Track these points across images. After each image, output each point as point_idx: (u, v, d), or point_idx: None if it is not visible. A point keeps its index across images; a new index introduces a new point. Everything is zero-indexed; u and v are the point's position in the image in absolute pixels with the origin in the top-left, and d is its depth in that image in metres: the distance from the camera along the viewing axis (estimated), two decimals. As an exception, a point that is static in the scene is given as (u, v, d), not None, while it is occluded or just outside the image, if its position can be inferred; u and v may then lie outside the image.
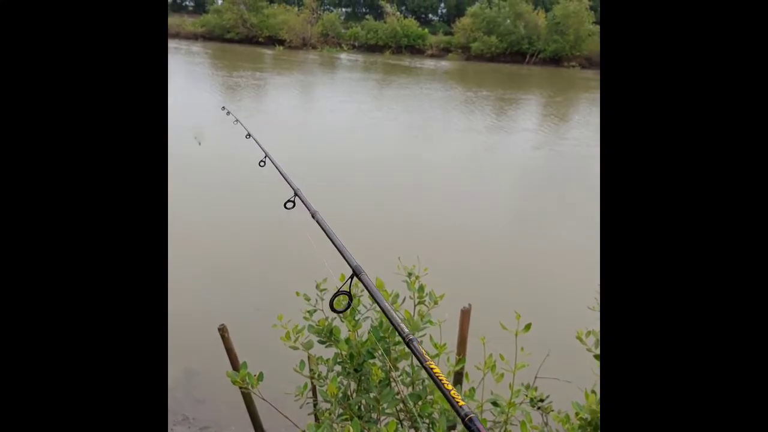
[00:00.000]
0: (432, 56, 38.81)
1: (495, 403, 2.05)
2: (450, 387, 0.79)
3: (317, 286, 2.64)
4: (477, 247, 6.55)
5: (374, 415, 2.33)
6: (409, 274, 2.21)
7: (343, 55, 37.17)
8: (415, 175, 9.59)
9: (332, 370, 2.42)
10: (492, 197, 8.90)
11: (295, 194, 2.01)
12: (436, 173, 9.91)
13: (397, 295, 2.26)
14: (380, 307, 1.05)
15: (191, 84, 19.19)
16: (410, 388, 2.20)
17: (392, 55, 38.58)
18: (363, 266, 2.50)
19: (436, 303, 2.16)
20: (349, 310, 2.35)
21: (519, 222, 7.85)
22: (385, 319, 2.18)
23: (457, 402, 0.76)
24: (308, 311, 2.55)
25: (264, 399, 1.99)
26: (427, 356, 0.85)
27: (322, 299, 2.58)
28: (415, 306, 2.20)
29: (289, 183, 2.15)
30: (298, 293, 2.58)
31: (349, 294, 1.25)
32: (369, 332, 2.22)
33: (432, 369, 0.83)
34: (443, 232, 6.96)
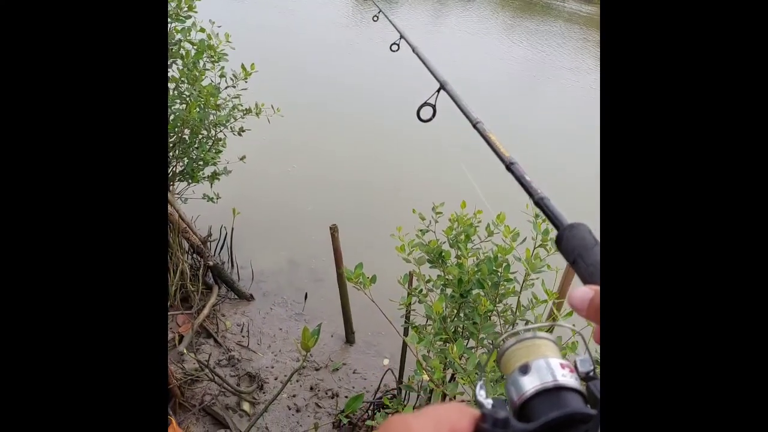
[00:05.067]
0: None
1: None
2: (494, 137, 0.93)
3: (434, 209, 2.66)
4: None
5: (467, 342, 2.38)
6: (536, 216, 2.14)
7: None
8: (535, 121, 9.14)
9: (433, 291, 2.48)
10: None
11: (401, 36, 2.14)
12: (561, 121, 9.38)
13: (518, 234, 2.22)
14: (465, 114, 1.18)
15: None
16: (511, 327, 2.21)
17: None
18: (488, 202, 2.45)
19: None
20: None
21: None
22: (501, 253, 2.16)
23: (501, 150, 0.86)
24: (420, 230, 2.59)
25: (373, 300, 2.08)
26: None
27: (437, 221, 2.60)
28: (534, 248, 2.16)
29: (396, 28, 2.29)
30: (414, 211, 2.61)
31: (434, 107, 1.40)
32: (481, 263, 2.23)
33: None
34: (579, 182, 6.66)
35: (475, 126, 1.09)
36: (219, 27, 3.37)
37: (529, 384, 0.48)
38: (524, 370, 0.48)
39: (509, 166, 0.83)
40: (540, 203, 0.73)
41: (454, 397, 2.11)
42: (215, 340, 3.51)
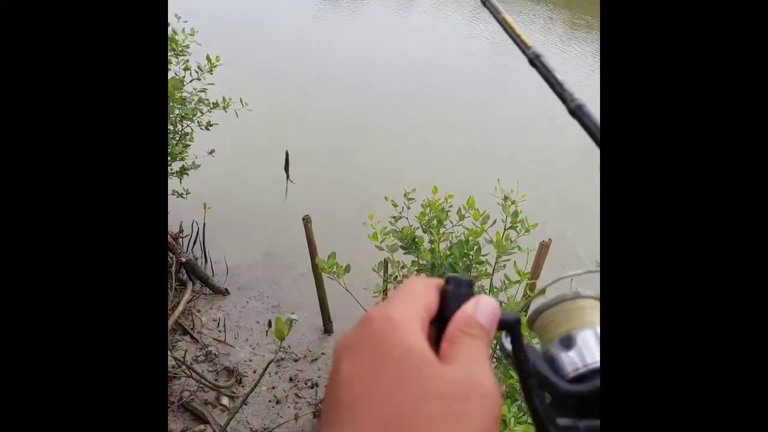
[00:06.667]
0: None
1: (569, 338, 2.05)
2: (516, 30, 0.65)
3: (405, 195, 2.66)
4: (575, 182, 6.33)
5: (442, 326, 2.41)
6: (505, 198, 2.17)
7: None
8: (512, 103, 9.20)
9: (408, 276, 2.49)
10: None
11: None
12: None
13: (488, 216, 2.25)
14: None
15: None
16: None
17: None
18: (459, 187, 2.45)
19: (528, 231, 2.13)
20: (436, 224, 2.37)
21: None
22: (471, 236, 2.18)
23: (525, 41, 0.63)
24: (393, 217, 2.60)
25: (347, 290, 2.09)
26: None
27: (409, 208, 2.61)
28: (504, 230, 2.19)
29: None
30: (386, 198, 2.61)
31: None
32: (453, 247, 2.25)
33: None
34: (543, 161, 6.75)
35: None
36: (185, 22, 3.31)
37: (572, 365, 0.40)
38: (567, 343, 0.41)
39: (533, 60, 0.63)
40: (576, 112, 0.58)
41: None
42: (191, 336, 3.48)
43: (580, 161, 7.24)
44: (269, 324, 3.63)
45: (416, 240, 2.40)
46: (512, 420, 1.55)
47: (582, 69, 10.17)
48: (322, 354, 3.53)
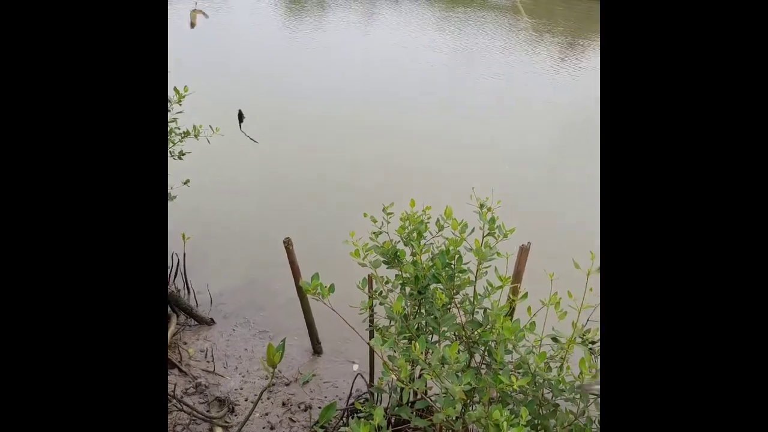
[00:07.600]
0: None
1: (555, 339, 2.09)
2: None
3: (384, 210, 2.68)
4: (551, 184, 6.42)
5: (430, 337, 2.42)
6: (481, 206, 2.21)
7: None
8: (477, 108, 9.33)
9: (393, 291, 2.50)
10: (563, 138, 8.59)
11: None
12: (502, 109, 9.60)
13: (466, 225, 2.27)
14: None
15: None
16: (471, 316, 2.26)
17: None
18: (436, 196, 2.46)
19: (506, 236, 2.16)
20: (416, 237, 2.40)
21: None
22: (452, 245, 2.20)
23: None
24: (374, 232, 2.62)
25: (333, 309, 2.09)
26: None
27: (388, 222, 2.63)
28: (483, 237, 2.22)
29: None
30: (365, 214, 2.63)
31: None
32: (434, 258, 2.27)
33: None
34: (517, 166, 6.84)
35: None
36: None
37: None
38: None
39: None
40: None
41: (425, 393, 2.13)
42: (180, 370, 3.43)
43: (552, 158, 7.36)
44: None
45: (398, 254, 2.42)
46: (505, 424, 1.56)
47: (547, 69, 10.38)
48: (313, 375, 3.51)
